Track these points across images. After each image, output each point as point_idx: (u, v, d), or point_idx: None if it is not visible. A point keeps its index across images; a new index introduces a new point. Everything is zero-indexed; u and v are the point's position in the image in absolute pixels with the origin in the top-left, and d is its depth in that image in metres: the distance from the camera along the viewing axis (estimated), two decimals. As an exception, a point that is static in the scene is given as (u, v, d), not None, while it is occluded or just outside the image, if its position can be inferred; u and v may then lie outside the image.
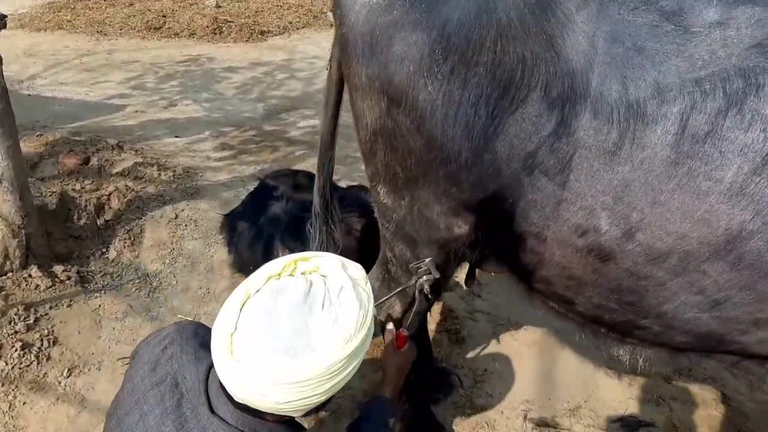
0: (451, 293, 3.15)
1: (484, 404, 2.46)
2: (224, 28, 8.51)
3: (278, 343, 1.01)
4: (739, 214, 1.20)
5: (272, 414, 1.12)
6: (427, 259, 1.71)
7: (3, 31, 2.99)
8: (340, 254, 1.61)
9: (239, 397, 1.08)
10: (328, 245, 2.08)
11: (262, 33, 8.53)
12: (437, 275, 1.71)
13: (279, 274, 1.09)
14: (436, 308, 3.03)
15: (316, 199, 2.03)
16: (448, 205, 1.58)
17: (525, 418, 2.41)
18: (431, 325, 2.90)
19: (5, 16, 2.37)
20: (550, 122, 1.31)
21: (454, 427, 2.34)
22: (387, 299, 1.84)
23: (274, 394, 1.03)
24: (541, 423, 2.39)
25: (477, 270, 2.06)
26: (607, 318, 1.54)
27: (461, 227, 1.61)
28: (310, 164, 4.32)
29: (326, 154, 1.94)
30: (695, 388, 2.64)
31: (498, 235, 1.57)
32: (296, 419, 1.24)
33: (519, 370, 2.67)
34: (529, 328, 2.94)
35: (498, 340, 2.85)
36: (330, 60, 1.75)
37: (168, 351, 1.26)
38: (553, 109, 1.30)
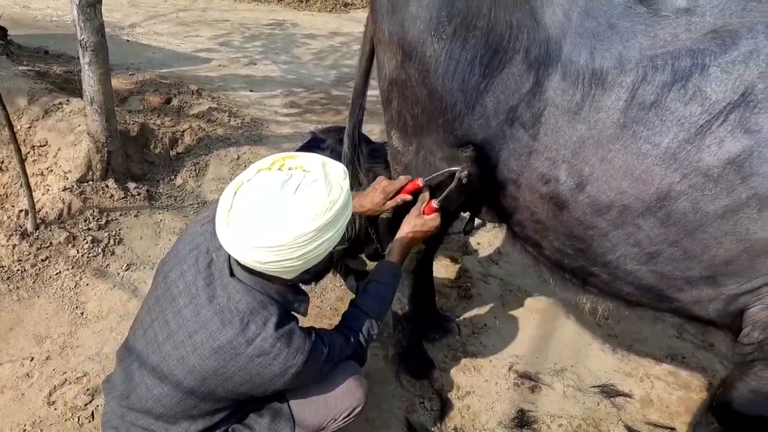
0: (470, 257, 3.39)
1: (475, 351, 2.71)
2: (311, -3, 8.93)
3: (256, 217, 1.33)
4: (670, 175, 1.40)
5: (277, 278, 1.45)
6: (469, 149, 1.78)
7: None
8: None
9: (241, 259, 1.41)
10: (353, 184, 2.38)
11: (345, 5, 8.91)
12: (473, 170, 1.80)
13: (269, 168, 1.40)
14: (453, 267, 3.29)
15: (345, 141, 2.33)
16: (448, 152, 1.84)
17: (510, 368, 2.63)
18: (444, 281, 3.16)
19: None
20: (529, 81, 1.55)
21: (443, 364, 2.60)
22: (433, 177, 1.91)
23: (256, 254, 1.35)
24: (524, 375, 2.61)
25: (481, 223, 2.27)
26: (566, 263, 1.77)
27: (461, 180, 1.86)
28: (366, 129, 4.63)
29: (357, 102, 2.22)
30: (683, 373, 2.77)
31: (487, 181, 1.81)
32: (301, 287, 1.58)
33: (516, 331, 2.88)
34: (537, 297, 3.14)
35: (504, 303, 3.07)
36: (367, 18, 2.03)
37: (205, 227, 1.61)
38: (531, 69, 1.53)
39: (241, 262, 1.43)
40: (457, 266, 3.30)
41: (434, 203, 1.88)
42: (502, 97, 1.61)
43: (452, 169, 1.83)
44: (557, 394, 2.56)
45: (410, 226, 1.88)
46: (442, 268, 3.28)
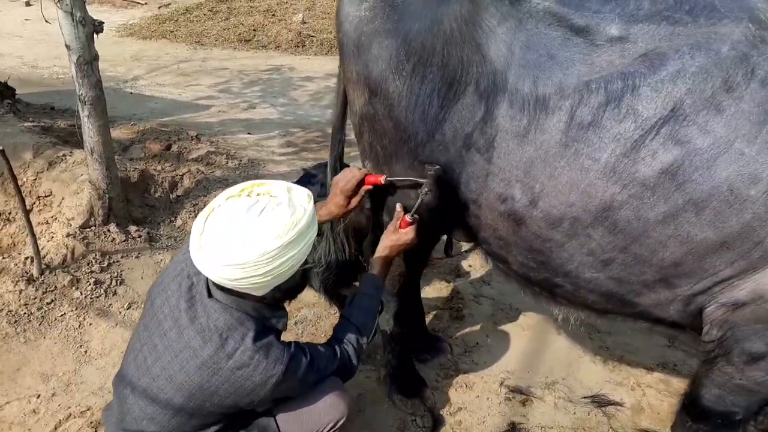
0: (462, 279, 3.50)
1: (467, 369, 2.79)
2: (307, 42, 9.26)
3: (225, 238, 1.46)
4: (611, 187, 1.53)
5: (250, 295, 1.57)
6: (435, 167, 1.84)
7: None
8: (348, 224, 2.02)
9: (213, 278, 1.53)
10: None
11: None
12: (434, 187, 1.87)
13: (238, 195, 1.54)
14: (446, 289, 3.39)
15: (328, 173, 2.48)
16: (414, 176, 1.97)
17: (501, 384, 2.71)
18: (437, 303, 3.26)
19: (102, 23, 2.99)
20: (480, 110, 1.69)
21: (435, 383, 2.68)
22: (396, 180, 1.99)
23: (226, 272, 1.47)
24: (516, 390, 2.68)
25: (471, 247, 2.38)
26: (532, 276, 1.87)
27: (426, 194, 1.98)
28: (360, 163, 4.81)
29: (336, 137, 2.38)
30: (675, 381, 2.82)
31: (452, 201, 1.93)
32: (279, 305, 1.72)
33: (508, 347, 2.96)
34: (529, 315, 3.22)
35: (495, 322, 3.15)
36: (339, 62, 2.20)
37: (187, 254, 1.73)
38: (481, 99, 1.67)
39: (215, 281, 1.56)
40: (450, 288, 3.40)
41: (408, 217, 1.98)
42: (459, 125, 1.75)
43: (418, 180, 1.92)
44: (548, 406, 2.63)
45: (388, 240, 1.99)
46: (435, 291, 3.38)
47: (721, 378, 1.72)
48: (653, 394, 2.74)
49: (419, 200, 1.93)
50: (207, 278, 1.63)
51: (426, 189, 1.88)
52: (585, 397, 2.68)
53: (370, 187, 2.02)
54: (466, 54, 1.67)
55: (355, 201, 2.03)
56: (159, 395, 1.62)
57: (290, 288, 1.68)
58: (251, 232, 1.46)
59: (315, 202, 1.83)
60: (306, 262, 1.64)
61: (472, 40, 1.65)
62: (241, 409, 1.67)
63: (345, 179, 2.01)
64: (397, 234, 1.99)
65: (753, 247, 1.45)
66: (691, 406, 1.86)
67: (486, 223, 1.85)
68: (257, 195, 1.53)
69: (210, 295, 1.63)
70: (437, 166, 1.86)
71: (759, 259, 1.46)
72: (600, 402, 2.66)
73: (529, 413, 2.58)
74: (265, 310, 1.68)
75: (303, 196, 1.59)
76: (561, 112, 1.56)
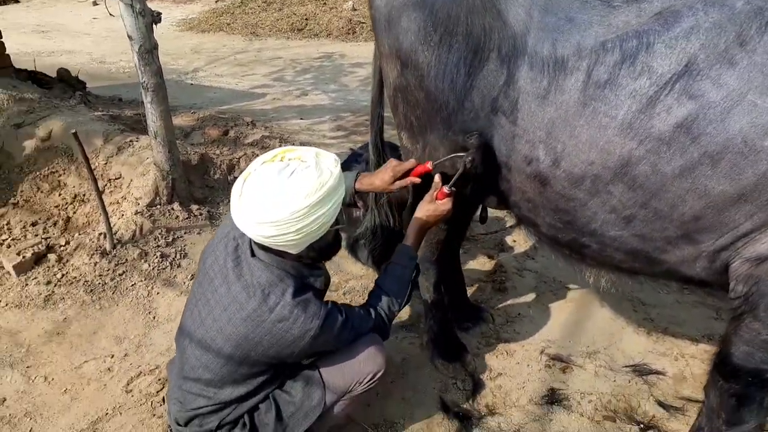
0: (506, 253, 3.56)
1: (508, 338, 2.86)
2: (357, 29, 9.41)
3: (260, 197, 1.60)
4: (628, 143, 1.57)
5: (287, 253, 1.72)
6: (474, 136, 1.91)
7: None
8: (392, 197, 2.11)
9: (250, 235, 1.68)
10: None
11: (391, 32, 9.28)
12: (477, 155, 1.93)
13: (272, 160, 1.68)
14: (489, 263, 3.46)
15: (370, 148, 2.60)
16: (449, 146, 2.06)
17: (542, 352, 2.77)
18: (480, 276, 3.34)
19: (160, 13, 3.21)
20: (503, 74, 1.76)
21: (476, 350, 2.77)
22: (441, 161, 2.06)
23: (261, 229, 1.63)
24: (556, 358, 2.73)
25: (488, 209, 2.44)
26: (560, 237, 1.93)
27: (469, 164, 2.06)
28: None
29: (375, 112, 2.49)
30: (720, 352, 2.80)
31: (486, 167, 2.01)
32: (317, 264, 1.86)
33: (549, 318, 3.01)
34: (572, 287, 3.25)
35: (538, 294, 3.20)
36: (375, 38, 2.31)
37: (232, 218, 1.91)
38: (503, 64, 1.75)
39: (252, 239, 1.72)
40: (493, 263, 3.47)
41: (445, 189, 2.04)
42: (486, 91, 1.83)
43: (458, 154, 1.99)
44: (588, 373, 2.66)
45: (423, 210, 2.07)
46: (478, 265, 3.46)
47: (748, 334, 1.73)
48: (697, 364, 2.73)
49: (459, 171, 2.00)
50: (250, 239, 1.79)
51: (468, 159, 1.94)
52: (626, 366, 2.70)
53: (418, 180, 2.07)
54: (487, 21, 1.75)
55: (400, 183, 2.10)
56: (211, 345, 1.80)
57: (323, 247, 1.82)
58: (282, 192, 1.60)
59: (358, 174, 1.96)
60: (337, 222, 1.77)
61: (493, 7, 1.73)
62: (284, 360, 1.82)
63: (399, 162, 2.11)
64: (434, 204, 2.05)
65: (771, 199, 1.46)
66: (721, 365, 1.87)
67: (515, 186, 1.92)
68: (288, 160, 1.67)
69: (253, 254, 1.79)
70: (476, 133, 1.92)
71: (778, 210, 1.48)
72: (641, 371, 2.67)
73: (569, 380, 2.63)
74: (303, 269, 1.82)
75: (330, 160, 1.72)
76: (579, 72, 1.62)
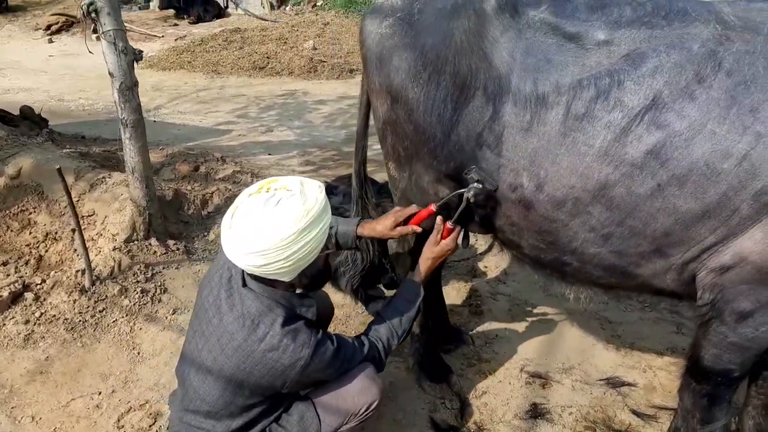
0: (479, 279, 3.72)
1: (489, 358, 2.99)
2: (318, 68, 9.63)
3: (248, 228, 1.68)
4: (605, 168, 1.76)
5: (279, 282, 1.80)
6: (472, 170, 2.01)
7: (136, 69, 3.94)
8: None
9: (241, 266, 1.74)
10: (363, 215, 2.75)
11: (351, 71, 9.56)
12: (482, 187, 2.01)
13: (257, 192, 1.75)
14: (464, 288, 3.60)
15: (353, 180, 2.73)
16: (434, 175, 2.21)
17: (522, 369, 2.91)
18: (456, 301, 3.48)
19: (141, 51, 3.30)
20: (489, 111, 1.93)
21: (459, 371, 2.88)
22: (443, 201, 2.15)
23: (251, 259, 1.69)
24: (535, 375, 2.88)
25: (487, 249, 2.59)
26: (542, 257, 2.10)
27: (444, 191, 2.22)
28: (378, 177, 5.07)
29: (360, 143, 2.62)
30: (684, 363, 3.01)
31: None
32: (307, 294, 1.93)
33: (525, 339, 3.16)
34: (543, 309, 3.43)
35: (512, 316, 3.36)
36: (362, 74, 2.46)
37: None
38: (489, 101, 1.92)
39: (244, 269, 1.79)
40: (468, 287, 3.62)
41: (449, 224, 2.16)
42: (471, 126, 2.00)
43: (460, 191, 2.09)
44: (566, 388, 2.82)
45: (430, 252, 2.17)
46: (454, 290, 3.60)
47: (716, 338, 1.92)
48: (664, 375, 2.92)
49: (461, 206, 2.11)
50: (242, 270, 1.85)
51: (472, 192, 2.03)
52: (600, 380, 2.87)
53: (419, 229, 2.16)
54: (474, 62, 1.92)
55: (401, 230, 2.19)
56: (207, 376, 1.85)
57: (314, 274, 1.89)
58: (270, 220, 1.67)
59: (336, 213, 2.06)
60: (326, 247, 1.86)
61: (479, 50, 1.91)
62: (278, 390, 1.85)
63: (401, 208, 2.21)
64: (439, 246, 2.16)
65: (731, 215, 1.67)
66: (693, 368, 2.05)
67: (500, 212, 2.08)
68: (274, 190, 1.74)
69: (244, 284, 1.85)
70: (474, 168, 2.04)
71: (737, 225, 1.68)
72: (614, 383, 2.85)
73: (549, 395, 2.77)
74: (294, 299, 1.88)
75: (314, 187, 1.81)
76: (559, 106, 1.81)
